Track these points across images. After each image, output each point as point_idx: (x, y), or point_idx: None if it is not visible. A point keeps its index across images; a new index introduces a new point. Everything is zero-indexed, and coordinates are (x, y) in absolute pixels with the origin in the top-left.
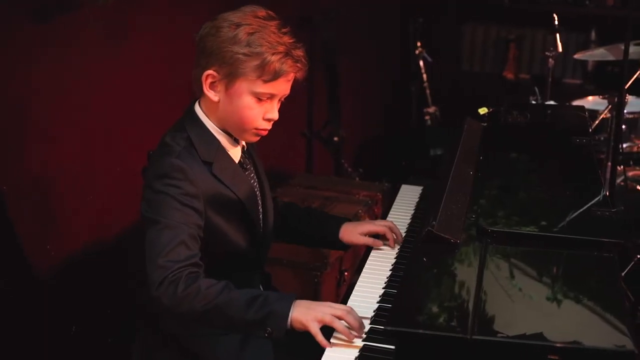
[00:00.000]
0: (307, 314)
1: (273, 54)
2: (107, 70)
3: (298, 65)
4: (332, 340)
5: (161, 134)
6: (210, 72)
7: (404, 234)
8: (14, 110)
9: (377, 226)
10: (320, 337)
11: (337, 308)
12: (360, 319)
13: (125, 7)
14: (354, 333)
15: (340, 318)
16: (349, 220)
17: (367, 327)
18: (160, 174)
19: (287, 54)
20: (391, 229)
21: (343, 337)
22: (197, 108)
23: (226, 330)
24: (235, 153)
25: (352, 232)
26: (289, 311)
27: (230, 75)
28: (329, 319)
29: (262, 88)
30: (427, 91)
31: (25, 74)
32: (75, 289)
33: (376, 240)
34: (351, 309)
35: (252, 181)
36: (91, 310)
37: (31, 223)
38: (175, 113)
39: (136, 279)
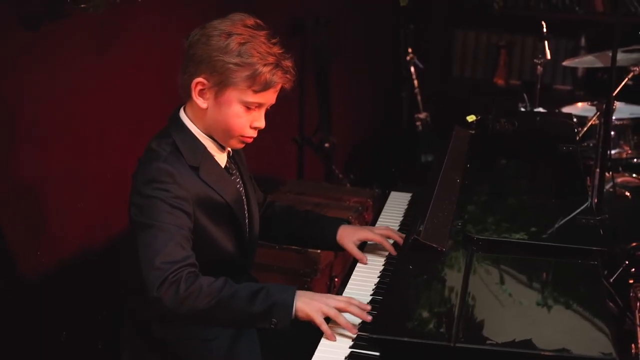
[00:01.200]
0: (311, 304)
1: (264, 65)
2: (98, 76)
3: (287, 76)
4: (319, 347)
5: None
6: (200, 79)
7: (392, 242)
8: (4, 116)
9: (375, 235)
10: (325, 327)
11: (339, 300)
12: (364, 306)
13: (116, 14)
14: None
15: (342, 310)
16: (348, 222)
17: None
18: (148, 179)
19: (277, 65)
20: (389, 237)
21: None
22: (182, 114)
23: (230, 326)
24: (221, 158)
25: (348, 237)
26: (293, 301)
27: (221, 84)
28: (333, 313)
29: (252, 98)
30: (418, 97)
31: (16, 80)
32: (65, 294)
33: (363, 257)
34: (352, 299)
35: (238, 186)
36: (82, 316)
37: (21, 229)
38: (165, 119)
39: (127, 285)
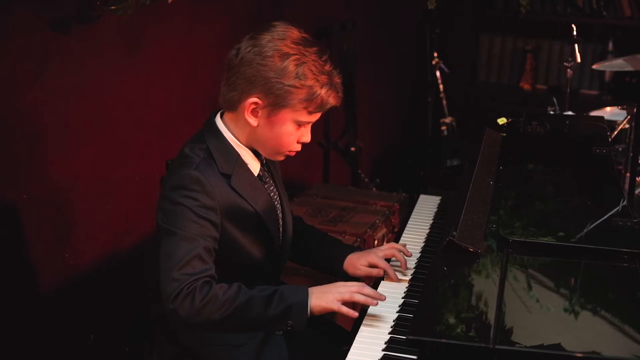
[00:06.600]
0: (325, 297)
1: (321, 86)
2: (125, 80)
3: (340, 95)
4: (352, 349)
5: (179, 143)
6: (254, 99)
7: (422, 244)
8: (33, 120)
9: (383, 251)
10: (345, 309)
11: (351, 285)
12: (377, 295)
13: (143, 18)
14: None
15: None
16: (359, 248)
17: (387, 336)
18: (177, 185)
19: (331, 85)
20: (393, 256)
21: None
22: (218, 120)
23: (245, 332)
24: (255, 166)
25: (355, 264)
26: (307, 301)
27: (276, 105)
28: (348, 296)
29: (306, 118)
30: (444, 102)
31: (44, 84)
32: (93, 297)
33: (378, 270)
34: (364, 284)
35: (271, 194)
36: (109, 319)
37: (50, 231)
38: (193, 122)
39: (153, 290)
